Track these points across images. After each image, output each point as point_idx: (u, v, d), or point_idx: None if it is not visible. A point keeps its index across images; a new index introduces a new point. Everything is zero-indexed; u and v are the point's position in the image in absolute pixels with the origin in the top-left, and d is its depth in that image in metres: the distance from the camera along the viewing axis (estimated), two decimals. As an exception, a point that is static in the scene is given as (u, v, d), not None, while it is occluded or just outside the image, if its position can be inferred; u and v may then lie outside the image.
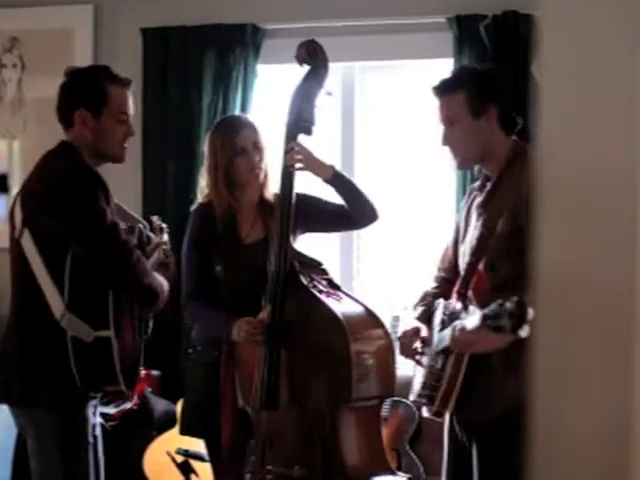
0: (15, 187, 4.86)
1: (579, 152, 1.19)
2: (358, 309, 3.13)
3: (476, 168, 3.08)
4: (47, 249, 2.90)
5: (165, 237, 3.27)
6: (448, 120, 2.89)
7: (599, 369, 1.17)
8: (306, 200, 3.31)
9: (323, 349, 3.04)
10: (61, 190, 2.89)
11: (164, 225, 3.33)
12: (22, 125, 5.05)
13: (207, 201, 3.37)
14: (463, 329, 2.69)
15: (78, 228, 2.89)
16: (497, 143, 2.88)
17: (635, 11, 1.14)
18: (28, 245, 2.92)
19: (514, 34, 4.40)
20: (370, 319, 3.13)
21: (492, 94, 2.88)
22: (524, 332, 2.23)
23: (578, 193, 1.19)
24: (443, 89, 2.91)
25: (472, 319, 2.62)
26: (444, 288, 3.05)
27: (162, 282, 3.04)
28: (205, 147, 3.39)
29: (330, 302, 3.06)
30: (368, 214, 3.30)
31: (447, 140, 2.90)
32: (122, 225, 2.97)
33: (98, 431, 3.02)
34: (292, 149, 3.17)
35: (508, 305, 2.38)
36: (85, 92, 2.99)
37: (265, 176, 3.34)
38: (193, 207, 3.45)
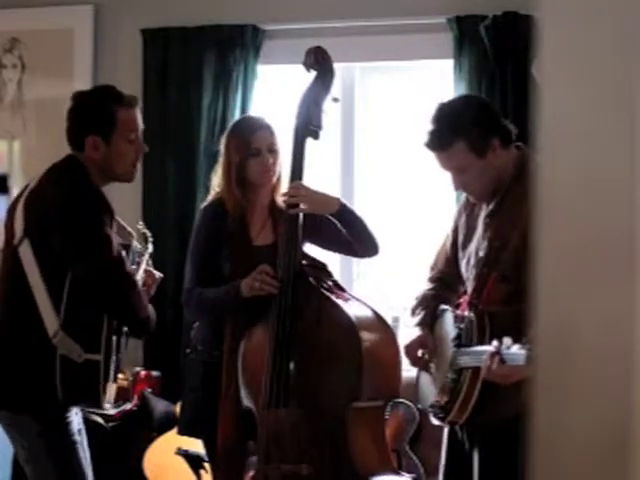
0: (15, 188, 4.86)
1: (579, 152, 1.19)
2: (366, 311, 3.16)
3: None
4: (47, 264, 2.85)
5: (149, 247, 3.25)
6: (457, 170, 2.82)
7: (599, 373, 1.17)
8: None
9: (334, 349, 3.06)
10: (69, 209, 2.85)
11: (148, 233, 3.34)
12: (22, 126, 5.05)
13: (218, 198, 3.37)
14: (502, 362, 2.59)
15: (83, 253, 2.85)
16: (503, 163, 2.83)
17: (635, 12, 1.14)
18: (27, 255, 2.86)
19: (514, 35, 4.40)
20: (378, 321, 3.16)
21: (489, 127, 2.80)
22: None
23: (578, 193, 1.19)
24: (440, 145, 2.80)
25: (514, 356, 2.54)
26: (442, 290, 3.03)
27: (151, 310, 3.02)
28: (221, 146, 3.40)
29: (340, 303, 3.08)
30: (369, 248, 3.35)
31: (460, 185, 2.86)
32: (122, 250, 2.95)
33: (82, 430, 3.00)
34: (294, 189, 3.19)
35: None
36: (94, 118, 2.96)
37: (278, 179, 3.35)
38: (204, 204, 3.45)
